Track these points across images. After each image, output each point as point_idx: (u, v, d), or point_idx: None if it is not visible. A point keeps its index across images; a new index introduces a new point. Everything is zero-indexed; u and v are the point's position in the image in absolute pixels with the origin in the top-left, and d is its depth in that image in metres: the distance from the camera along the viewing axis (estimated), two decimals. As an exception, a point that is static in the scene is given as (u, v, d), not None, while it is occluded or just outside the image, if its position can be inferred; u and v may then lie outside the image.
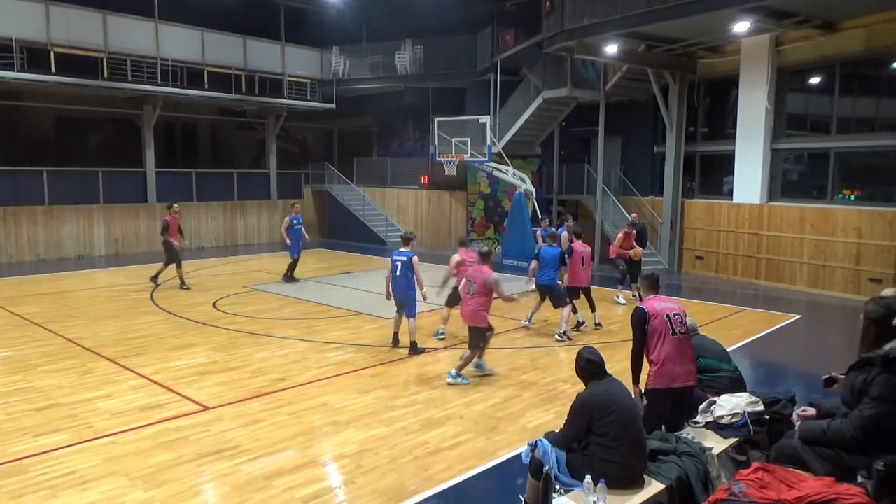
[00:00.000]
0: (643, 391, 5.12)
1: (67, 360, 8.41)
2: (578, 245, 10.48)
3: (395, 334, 9.25)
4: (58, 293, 13.15)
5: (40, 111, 19.62)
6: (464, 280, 8.19)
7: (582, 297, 10.49)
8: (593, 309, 10.53)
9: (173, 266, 13.41)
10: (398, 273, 8.86)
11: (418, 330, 9.19)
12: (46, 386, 7.39)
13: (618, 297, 12.65)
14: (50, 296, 12.82)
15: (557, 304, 9.86)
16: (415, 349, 8.92)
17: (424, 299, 9.03)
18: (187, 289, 13.28)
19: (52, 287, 13.84)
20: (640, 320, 5.06)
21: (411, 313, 8.90)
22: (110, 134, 21.51)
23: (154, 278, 13.59)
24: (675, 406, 5.06)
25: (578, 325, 10.28)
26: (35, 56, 16.39)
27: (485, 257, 8.03)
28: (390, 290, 8.99)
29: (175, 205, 13.81)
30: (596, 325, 10.44)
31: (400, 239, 9.64)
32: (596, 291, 11.09)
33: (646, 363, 5.16)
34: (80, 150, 20.62)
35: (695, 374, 5.15)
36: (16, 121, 19.29)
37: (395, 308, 9.14)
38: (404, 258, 8.85)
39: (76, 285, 14.15)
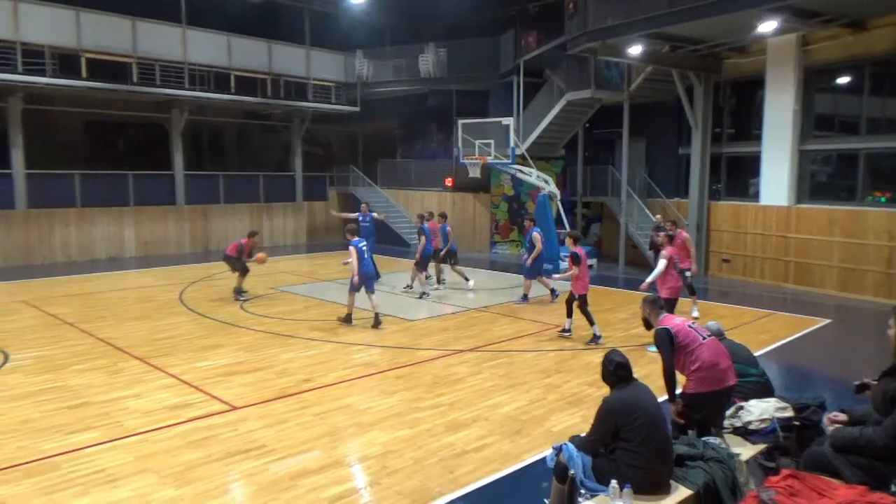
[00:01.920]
0: (683, 394, 5.06)
1: (98, 360, 8.57)
2: (581, 250, 9.99)
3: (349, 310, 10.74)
4: (89, 294, 13.41)
5: (71, 115, 20.03)
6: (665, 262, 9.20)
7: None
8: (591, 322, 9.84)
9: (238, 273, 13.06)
10: (367, 257, 10.68)
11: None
12: (78, 385, 7.55)
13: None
14: (81, 296, 13.08)
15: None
16: (348, 319, 10.73)
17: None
18: (243, 300, 12.69)
19: (83, 288, 14.12)
20: (668, 339, 5.03)
21: (373, 288, 10.74)
22: (140, 137, 21.89)
23: (240, 292, 13.02)
24: (721, 406, 5.03)
25: (565, 330, 10.04)
26: (66, 62, 16.76)
27: (671, 239, 9.58)
28: (361, 274, 10.51)
29: (257, 235, 13.61)
30: (595, 337, 9.72)
31: (348, 231, 11.07)
32: (622, 294, 11.00)
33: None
34: (111, 154, 21.02)
35: (734, 369, 5.12)
36: (48, 125, 19.71)
37: (363, 289, 10.54)
38: (365, 244, 10.72)
39: (107, 286, 14.41)
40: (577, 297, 9.74)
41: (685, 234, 11.58)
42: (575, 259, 9.67)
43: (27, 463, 5.48)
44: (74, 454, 5.67)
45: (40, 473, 5.30)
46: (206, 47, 19.44)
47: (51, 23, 16.56)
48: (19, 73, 15.95)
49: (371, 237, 14.31)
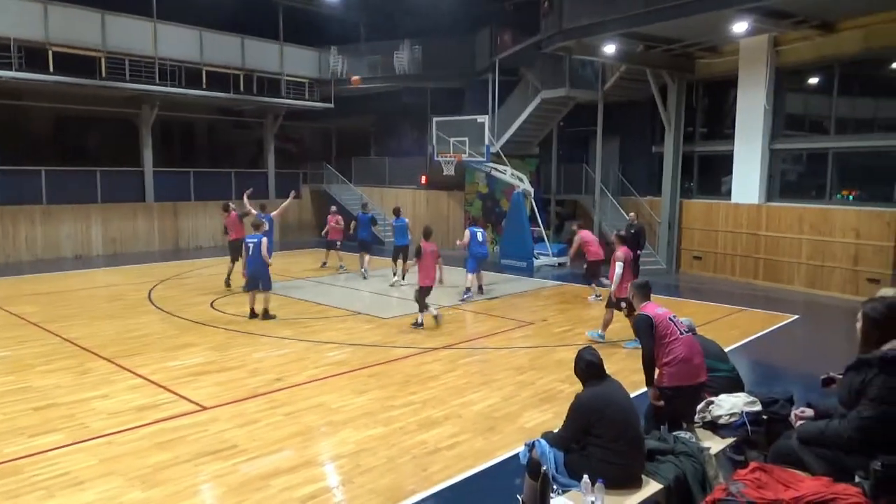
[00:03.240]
0: (655, 387, 5.10)
1: (65, 360, 8.38)
2: (427, 245, 10.43)
3: (252, 309, 10.75)
4: (55, 293, 13.12)
5: (39, 110, 19.59)
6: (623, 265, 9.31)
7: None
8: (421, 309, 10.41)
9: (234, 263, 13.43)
10: (251, 254, 10.63)
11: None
12: (43, 386, 7.37)
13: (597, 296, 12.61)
14: (47, 295, 12.79)
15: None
16: (267, 316, 10.66)
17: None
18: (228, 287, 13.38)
19: (49, 287, 13.81)
20: (648, 326, 5.08)
21: (267, 287, 10.78)
22: (108, 133, 21.44)
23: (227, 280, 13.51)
24: (691, 401, 5.07)
25: (417, 324, 10.33)
26: (33, 55, 16.38)
27: (623, 239, 9.71)
28: (245, 269, 11.00)
29: (231, 205, 13.90)
30: (419, 324, 10.34)
31: (254, 227, 11.04)
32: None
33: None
34: (79, 150, 20.59)
35: (706, 366, 5.17)
36: (14, 120, 19.25)
37: (249, 285, 10.83)
38: (255, 240, 10.60)
39: (74, 285, 14.11)
40: (419, 287, 10.36)
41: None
42: (417, 252, 10.41)
43: (-12, 466, 5.34)
44: (38, 457, 5.53)
45: (3, 477, 5.16)
46: (177, 42, 19.15)
47: (17, 15, 16.17)
48: (-17, 67, 15.58)
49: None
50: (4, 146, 18.01)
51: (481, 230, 13.62)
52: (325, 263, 16.58)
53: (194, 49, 19.54)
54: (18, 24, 16.12)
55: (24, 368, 8.01)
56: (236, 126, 25.07)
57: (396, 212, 15.13)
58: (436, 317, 10.39)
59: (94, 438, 5.93)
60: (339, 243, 16.02)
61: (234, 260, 13.42)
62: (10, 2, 16.12)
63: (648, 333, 5.08)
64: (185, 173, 21.26)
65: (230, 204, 13.94)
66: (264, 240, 10.65)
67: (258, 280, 10.74)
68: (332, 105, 22.96)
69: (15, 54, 15.94)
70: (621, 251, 9.42)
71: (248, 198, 14.25)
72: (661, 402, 5.07)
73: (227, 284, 13.43)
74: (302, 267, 16.75)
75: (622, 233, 10.05)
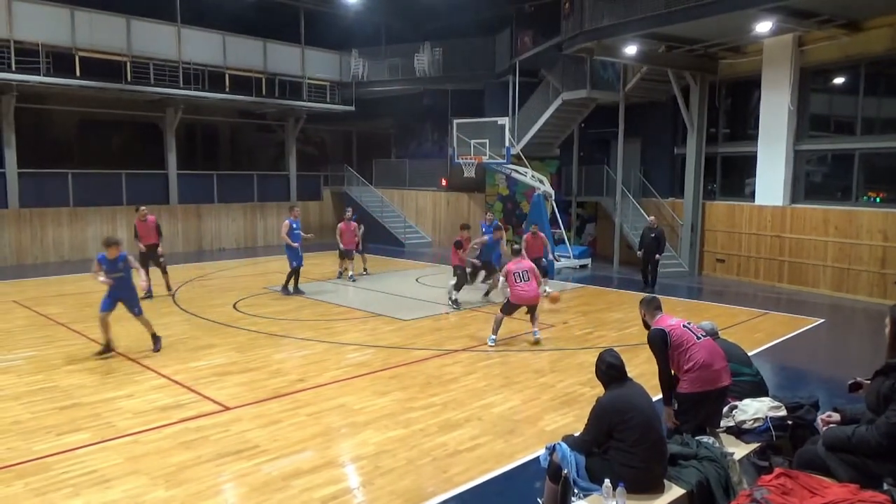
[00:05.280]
0: (677, 395, 5.01)
1: (90, 360, 8.52)
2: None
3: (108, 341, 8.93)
4: (81, 293, 13.33)
5: (65, 114, 19.96)
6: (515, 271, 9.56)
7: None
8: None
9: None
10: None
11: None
12: (69, 385, 7.50)
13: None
14: (74, 296, 13.01)
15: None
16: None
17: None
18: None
19: (75, 288, 14.05)
20: (662, 341, 4.97)
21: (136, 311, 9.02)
22: (133, 136, 21.82)
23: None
24: (716, 406, 5.00)
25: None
26: (60, 60, 16.69)
27: (517, 252, 10.23)
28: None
29: (142, 207, 13.32)
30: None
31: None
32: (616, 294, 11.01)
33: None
34: (104, 153, 20.95)
35: (729, 370, 5.08)
36: (41, 124, 19.63)
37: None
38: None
39: (99, 286, 14.27)
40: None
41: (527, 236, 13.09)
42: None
43: (19, 464, 5.44)
44: (65, 455, 5.63)
45: (32, 474, 5.26)
46: (201, 46, 19.39)
47: (45, 21, 16.50)
48: (12, 72, 15.88)
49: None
50: (32, 149, 18.36)
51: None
52: (365, 270, 15.95)
53: (217, 53, 19.77)
54: (46, 30, 16.44)
55: (51, 368, 8.15)
56: (258, 129, 25.33)
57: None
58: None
59: (119, 437, 6.02)
60: (354, 252, 15.23)
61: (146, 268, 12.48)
62: (39, 8, 16.46)
63: (662, 349, 4.96)
64: (209, 176, 21.52)
65: (143, 208, 13.33)
66: (129, 256, 9.33)
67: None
68: (353, 108, 23.10)
69: (43, 59, 16.26)
70: (510, 264, 9.66)
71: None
72: (676, 423, 4.97)
73: (149, 294, 12.48)
74: (322, 269, 16.83)
75: (517, 247, 10.81)
